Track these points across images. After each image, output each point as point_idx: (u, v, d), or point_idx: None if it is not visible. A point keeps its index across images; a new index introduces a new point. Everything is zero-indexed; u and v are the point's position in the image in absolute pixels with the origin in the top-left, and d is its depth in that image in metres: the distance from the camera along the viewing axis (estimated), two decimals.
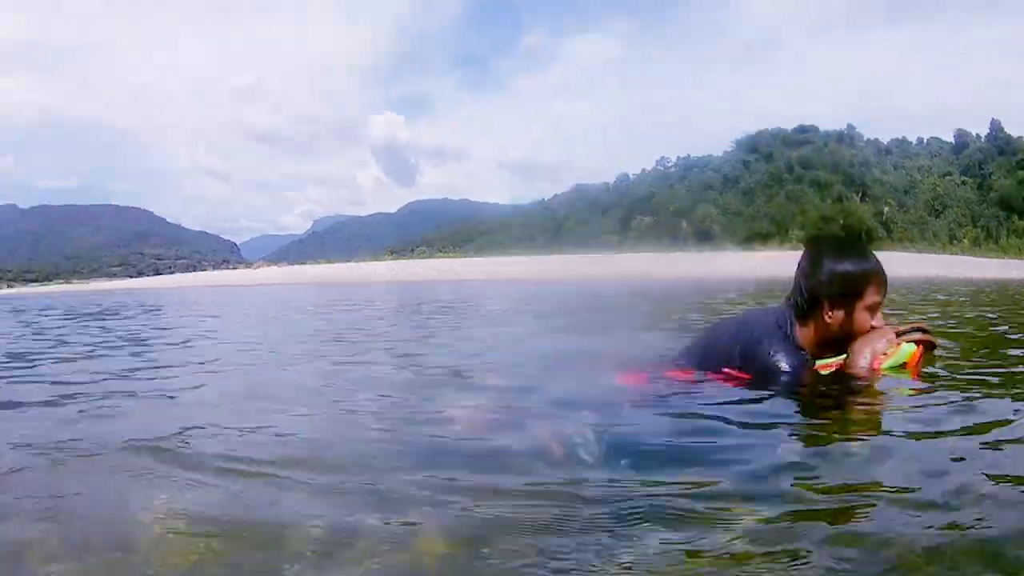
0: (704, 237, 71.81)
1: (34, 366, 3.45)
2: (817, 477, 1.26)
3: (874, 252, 2.03)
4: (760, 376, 1.97)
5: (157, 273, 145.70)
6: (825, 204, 70.89)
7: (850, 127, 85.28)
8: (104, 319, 7.98)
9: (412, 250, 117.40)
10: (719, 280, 19.11)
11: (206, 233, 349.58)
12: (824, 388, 1.93)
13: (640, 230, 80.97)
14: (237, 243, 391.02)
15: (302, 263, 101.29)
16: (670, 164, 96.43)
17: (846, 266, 1.96)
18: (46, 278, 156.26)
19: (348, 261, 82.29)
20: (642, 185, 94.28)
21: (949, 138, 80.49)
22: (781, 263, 25.92)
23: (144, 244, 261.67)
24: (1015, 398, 1.84)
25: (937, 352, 2.18)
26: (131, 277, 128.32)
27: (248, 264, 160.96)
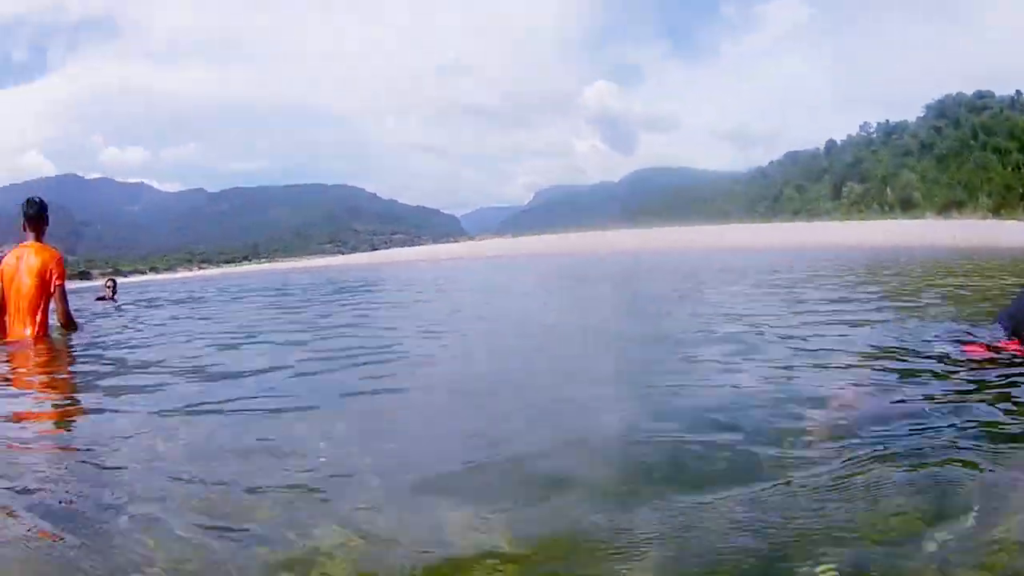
0: (906, 204, 76.89)
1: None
2: None
3: None
4: None
5: (373, 249, 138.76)
6: (1007, 172, 71.54)
7: (1019, 92, 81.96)
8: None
9: (647, 218, 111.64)
10: (926, 249, 20.28)
11: (424, 208, 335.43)
12: None
13: (851, 197, 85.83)
14: (458, 216, 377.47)
15: (529, 234, 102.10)
16: (871, 130, 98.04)
17: None
18: (244, 258, 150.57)
19: (579, 231, 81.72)
20: (848, 151, 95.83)
21: None
22: (977, 230, 33.59)
23: (355, 220, 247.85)
24: None
25: None
26: (343, 254, 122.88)
27: (470, 237, 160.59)
